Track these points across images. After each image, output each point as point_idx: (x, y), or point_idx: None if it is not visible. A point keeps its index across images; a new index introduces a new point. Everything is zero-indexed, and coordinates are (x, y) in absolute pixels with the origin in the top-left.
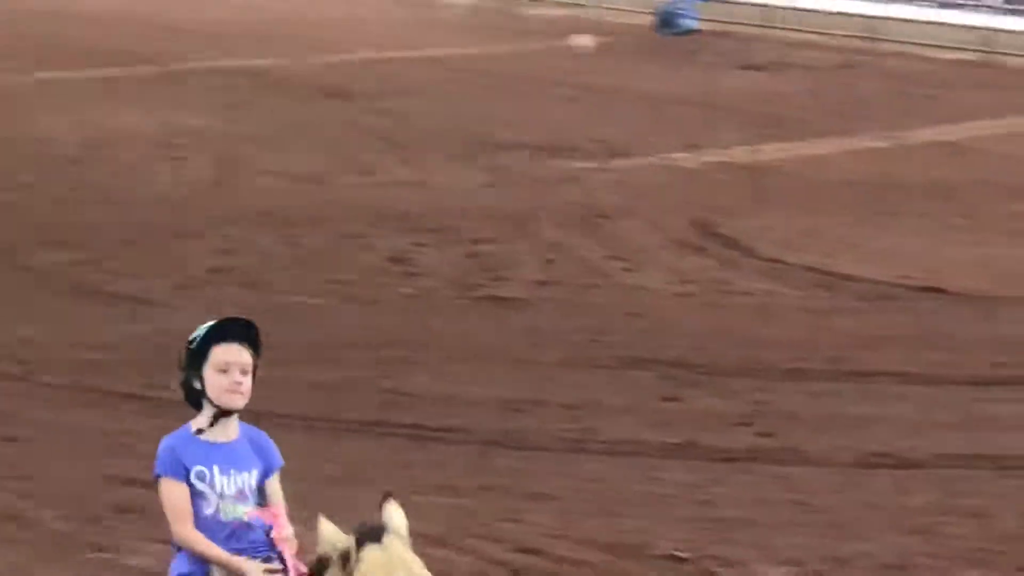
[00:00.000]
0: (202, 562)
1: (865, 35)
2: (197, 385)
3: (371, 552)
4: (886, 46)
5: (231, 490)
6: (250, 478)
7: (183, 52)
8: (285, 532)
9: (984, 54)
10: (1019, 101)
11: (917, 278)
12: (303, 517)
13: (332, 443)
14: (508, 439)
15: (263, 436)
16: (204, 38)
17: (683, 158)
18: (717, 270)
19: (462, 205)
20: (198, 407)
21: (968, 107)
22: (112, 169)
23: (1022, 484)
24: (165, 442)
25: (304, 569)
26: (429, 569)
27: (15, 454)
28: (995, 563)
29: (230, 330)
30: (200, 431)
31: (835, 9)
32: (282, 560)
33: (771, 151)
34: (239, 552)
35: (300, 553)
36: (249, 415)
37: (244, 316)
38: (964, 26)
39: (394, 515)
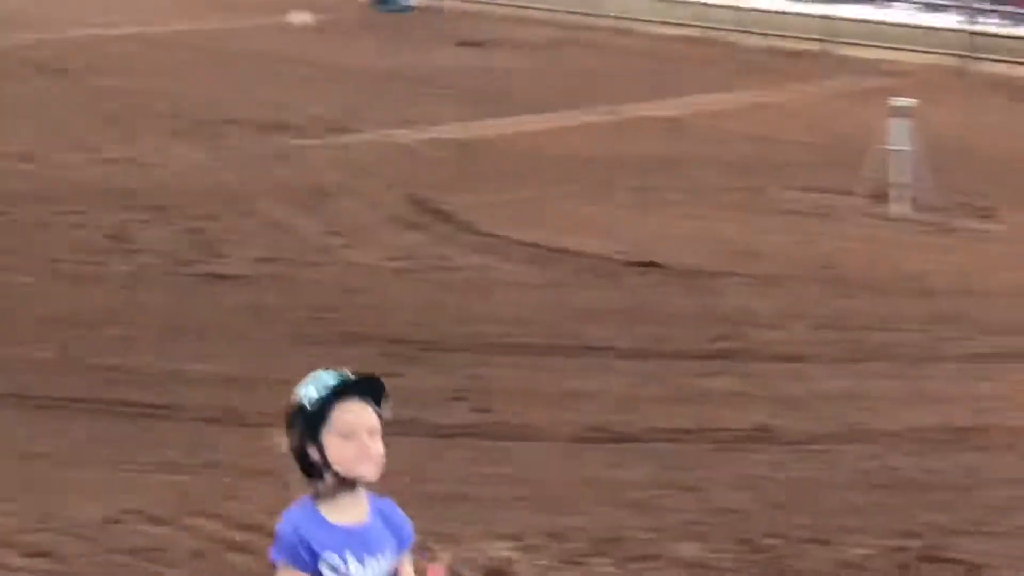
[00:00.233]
0: None
1: (586, 11)
2: (315, 455)
3: None
4: (606, 22)
5: None
6: (385, 561)
7: None
8: None
9: (703, 30)
10: (740, 78)
11: (634, 252)
12: (28, 500)
13: (52, 422)
14: (229, 416)
15: (394, 508)
16: None
17: (401, 135)
18: (435, 246)
19: (181, 182)
20: (314, 476)
21: (689, 83)
22: None
23: (737, 457)
24: (288, 521)
25: None
26: (149, 547)
27: None
28: (711, 535)
29: (352, 386)
30: (325, 508)
31: None
32: None
33: (488, 127)
34: None
35: None
36: None
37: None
38: (683, 2)
39: None
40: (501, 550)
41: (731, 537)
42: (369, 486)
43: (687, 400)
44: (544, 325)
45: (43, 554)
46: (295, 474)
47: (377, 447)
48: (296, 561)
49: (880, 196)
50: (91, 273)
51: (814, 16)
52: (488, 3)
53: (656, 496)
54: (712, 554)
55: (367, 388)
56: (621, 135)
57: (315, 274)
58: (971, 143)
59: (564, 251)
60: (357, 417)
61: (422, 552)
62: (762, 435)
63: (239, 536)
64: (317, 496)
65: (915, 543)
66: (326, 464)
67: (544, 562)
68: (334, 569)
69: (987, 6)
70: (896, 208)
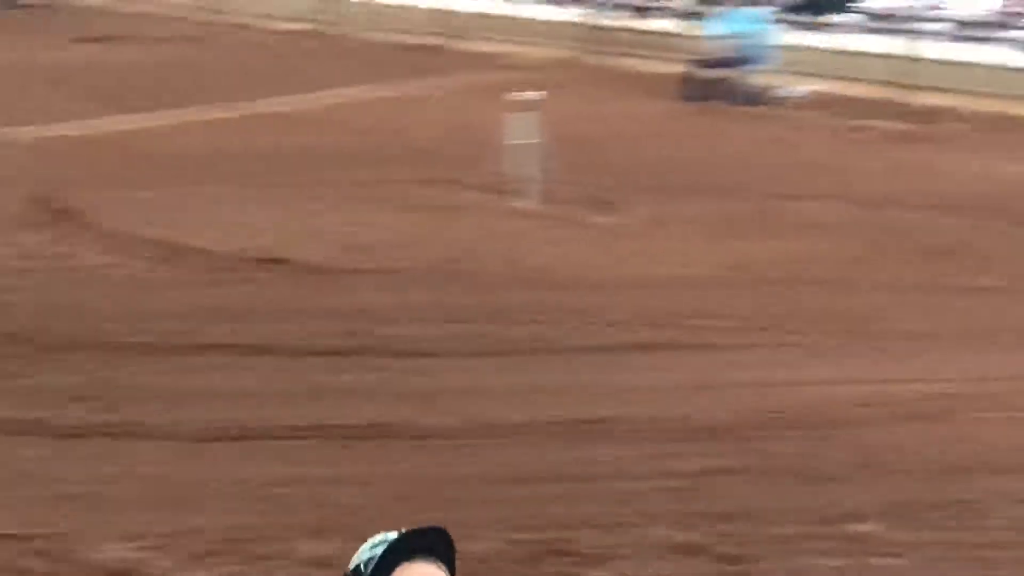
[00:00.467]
0: None
1: (210, 8)
2: None
3: None
4: (230, 18)
5: None
6: None
7: None
8: None
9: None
10: (364, 73)
11: (264, 249)
12: None
13: None
14: None
15: None
16: None
17: (21, 132)
18: (58, 244)
19: None
20: None
21: (313, 79)
22: None
23: (362, 453)
24: None
25: None
26: None
27: None
28: (334, 532)
29: (419, 544)
30: None
31: None
32: None
33: (112, 124)
34: None
35: None
36: None
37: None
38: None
39: None
40: (126, 551)
41: (355, 533)
42: None
43: (312, 397)
44: (169, 323)
45: None
46: None
47: None
48: None
49: (505, 190)
50: None
51: (436, 10)
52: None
53: (281, 493)
54: (336, 551)
55: (433, 542)
56: (248, 130)
57: None
58: (595, 136)
59: (192, 249)
60: None
61: None
62: (386, 430)
63: None
64: None
65: (539, 536)
66: None
67: (168, 563)
68: None
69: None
70: (521, 202)
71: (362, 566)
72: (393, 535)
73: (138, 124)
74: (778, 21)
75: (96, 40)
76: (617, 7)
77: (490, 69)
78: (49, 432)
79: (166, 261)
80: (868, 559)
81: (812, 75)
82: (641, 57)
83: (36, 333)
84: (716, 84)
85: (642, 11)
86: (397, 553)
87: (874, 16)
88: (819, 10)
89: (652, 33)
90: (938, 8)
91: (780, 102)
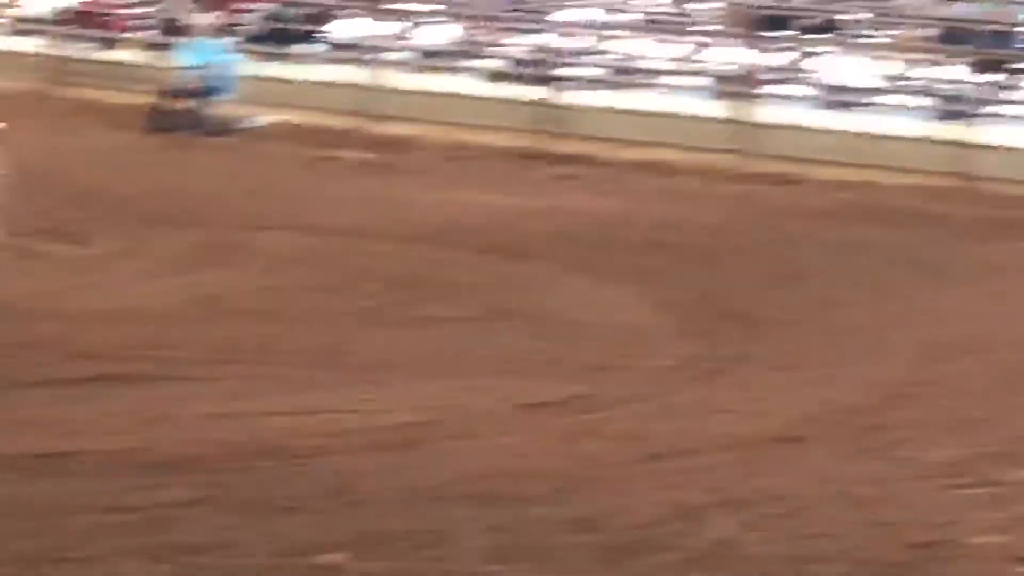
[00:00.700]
0: None
1: None
2: None
3: None
4: None
5: None
6: None
7: None
8: None
9: None
10: None
11: None
12: None
13: None
14: None
15: None
16: None
17: None
18: None
19: None
20: None
21: None
22: None
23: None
24: None
25: None
26: None
27: None
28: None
29: None
30: None
31: None
32: None
33: None
34: None
35: None
36: None
37: None
38: None
39: None
40: None
41: None
42: None
43: None
44: None
45: None
46: None
47: None
48: None
49: None
50: None
51: None
52: None
53: None
54: None
55: None
56: None
57: None
58: (61, 168)
59: None
60: None
61: None
62: None
63: None
64: None
65: (12, 571)
66: None
67: None
68: None
69: (69, 30)
70: None
71: None
72: None
73: None
74: (241, 51)
75: None
76: (84, 38)
77: None
78: None
79: None
80: None
81: (280, 105)
82: (109, 89)
83: None
84: (182, 115)
85: (109, 42)
86: None
87: (339, 46)
88: (283, 40)
89: (120, 64)
90: (403, 38)
91: (245, 132)
